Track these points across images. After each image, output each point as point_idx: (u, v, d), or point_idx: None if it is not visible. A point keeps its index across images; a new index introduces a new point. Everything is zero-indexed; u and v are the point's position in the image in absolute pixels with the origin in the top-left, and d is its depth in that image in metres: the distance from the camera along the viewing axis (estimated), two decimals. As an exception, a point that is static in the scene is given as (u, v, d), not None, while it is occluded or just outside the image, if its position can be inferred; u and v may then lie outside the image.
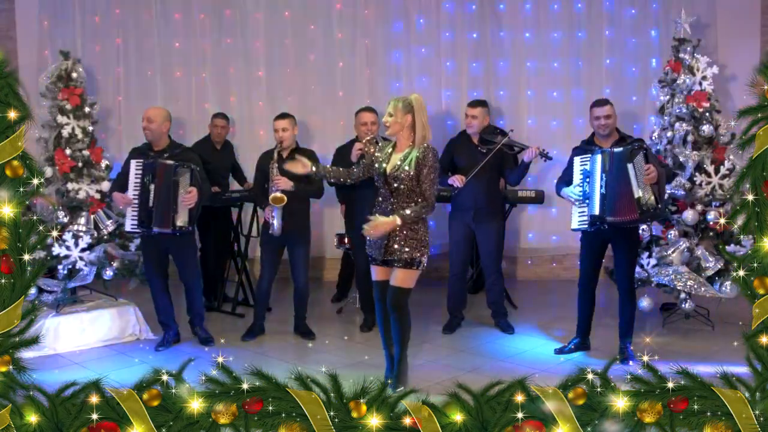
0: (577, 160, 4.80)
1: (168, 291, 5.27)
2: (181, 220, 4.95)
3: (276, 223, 5.17)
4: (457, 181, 5.26)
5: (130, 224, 5.02)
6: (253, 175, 5.73)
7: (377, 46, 7.44)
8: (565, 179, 4.91)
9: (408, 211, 3.98)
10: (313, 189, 5.34)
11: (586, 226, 4.69)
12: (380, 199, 4.16)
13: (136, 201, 4.94)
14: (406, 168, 3.99)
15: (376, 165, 4.13)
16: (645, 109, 7.26)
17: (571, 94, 7.39)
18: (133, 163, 5.00)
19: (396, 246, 4.04)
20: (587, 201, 4.66)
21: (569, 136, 7.31)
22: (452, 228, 5.58)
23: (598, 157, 4.62)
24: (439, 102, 7.36)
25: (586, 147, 4.83)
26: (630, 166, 4.50)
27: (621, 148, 4.59)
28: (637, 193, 4.50)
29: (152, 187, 4.91)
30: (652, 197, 4.52)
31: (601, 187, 4.57)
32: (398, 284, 4.11)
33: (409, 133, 4.05)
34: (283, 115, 5.32)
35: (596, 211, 4.59)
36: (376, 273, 4.25)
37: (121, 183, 5.08)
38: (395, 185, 4.02)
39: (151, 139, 5.06)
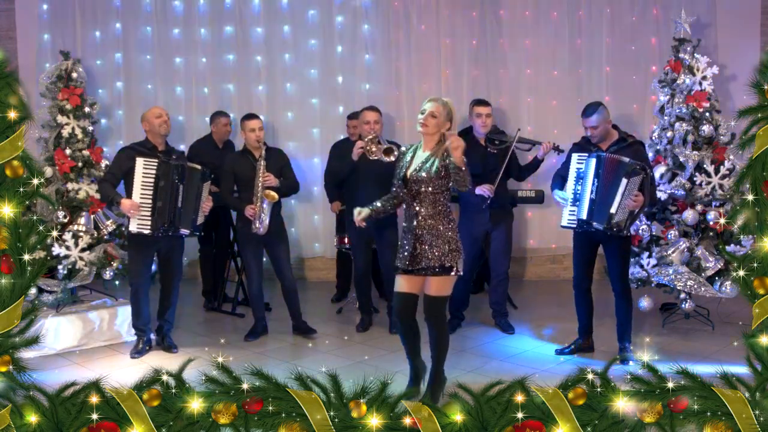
0: (574, 157, 4.76)
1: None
2: (199, 222, 5.04)
3: (265, 221, 5.18)
4: (486, 191, 5.22)
5: (146, 227, 4.80)
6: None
7: (377, 51, 7.44)
8: (561, 173, 4.90)
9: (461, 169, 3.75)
10: (291, 185, 5.40)
11: (574, 226, 4.69)
12: (404, 205, 4.01)
13: (148, 202, 4.81)
14: (424, 174, 3.84)
15: (399, 171, 3.99)
16: (645, 117, 7.27)
17: (571, 101, 7.38)
18: (141, 161, 4.83)
19: (424, 254, 3.83)
20: (578, 203, 4.63)
21: (569, 143, 7.29)
22: (463, 228, 5.55)
23: (593, 161, 4.55)
24: None
25: (585, 146, 4.79)
26: (624, 181, 4.41)
27: (627, 160, 4.46)
28: (614, 208, 4.43)
29: (180, 188, 4.85)
30: (624, 220, 4.49)
31: (591, 191, 4.51)
32: (433, 293, 3.87)
33: (439, 138, 3.89)
34: (254, 115, 5.38)
35: (584, 216, 4.54)
36: (401, 284, 3.95)
37: (115, 182, 4.92)
38: (415, 188, 3.86)
39: (165, 134, 4.99)
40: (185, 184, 4.89)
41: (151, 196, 4.82)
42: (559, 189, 4.86)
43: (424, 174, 3.84)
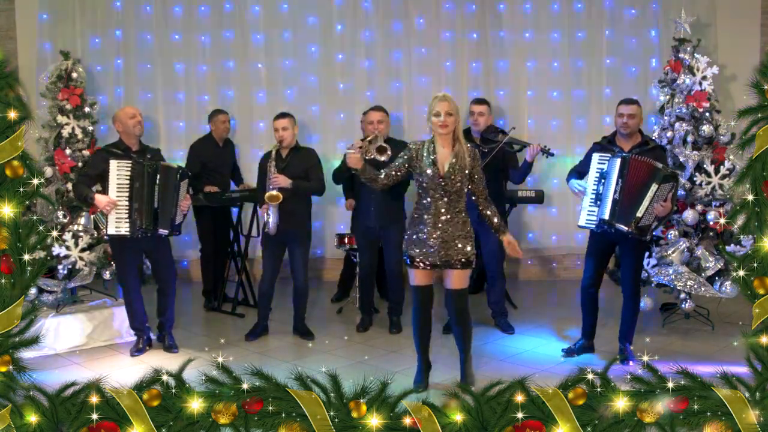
0: (596, 156, 4.68)
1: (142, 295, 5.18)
2: (179, 221, 4.97)
3: (271, 221, 5.17)
4: None
5: (124, 228, 4.78)
6: (251, 172, 5.73)
7: (377, 43, 7.43)
8: (578, 169, 4.86)
9: (503, 225, 4.16)
10: (313, 186, 5.32)
11: (593, 226, 4.65)
12: (426, 200, 4.05)
13: (125, 204, 4.77)
14: (460, 172, 4.01)
15: (425, 167, 4.03)
16: (645, 110, 7.23)
17: (571, 94, 7.40)
18: (115, 163, 4.78)
19: (459, 248, 4.02)
20: (599, 202, 4.59)
21: (569, 136, 7.32)
22: None
23: (618, 161, 4.49)
24: None
25: (607, 146, 4.75)
26: (654, 186, 4.38)
27: (660, 166, 4.42)
28: (641, 211, 4.40)
29: (156, 188, 4.82)
30: (649, 225, 4.46)
31: (615, 191, 4.47)
32: (462, 286, 4.11)
33: (454, 136, 4.07)
34: (283, 114, 5.32)
35: (606, 216, 4.50)
36: (422, 278, 4.13)
37: (90, 183, 4.89)
38: (450, 187, 4.01)
39: (139, 135, 4.95)
40: (160, 184, 4.83)
41: (127, 198, 4.78)
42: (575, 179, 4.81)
43: (460, 174, 4.01)
